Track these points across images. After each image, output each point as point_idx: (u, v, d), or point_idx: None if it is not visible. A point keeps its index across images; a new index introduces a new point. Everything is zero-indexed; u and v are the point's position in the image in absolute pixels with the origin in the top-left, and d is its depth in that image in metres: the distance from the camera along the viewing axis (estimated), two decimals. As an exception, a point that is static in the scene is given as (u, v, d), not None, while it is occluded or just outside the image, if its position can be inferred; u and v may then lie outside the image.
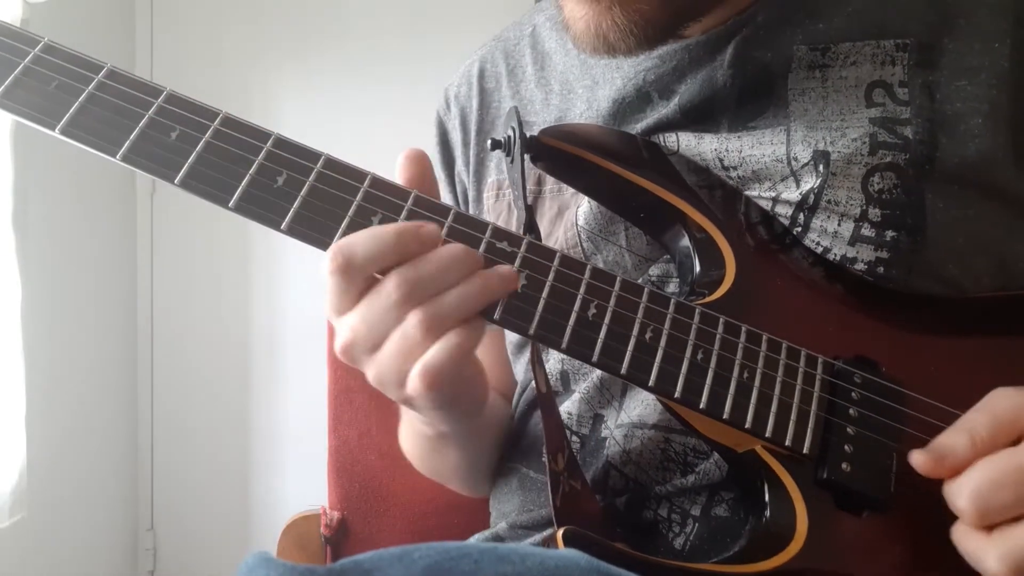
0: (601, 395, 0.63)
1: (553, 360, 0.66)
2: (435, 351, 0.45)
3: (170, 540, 2.27)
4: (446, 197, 0.77)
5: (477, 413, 0.59)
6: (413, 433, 0.70)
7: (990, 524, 0.43)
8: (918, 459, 0.46)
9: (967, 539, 0.44)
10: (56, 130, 0.47)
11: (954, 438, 0.46)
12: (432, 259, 0.46)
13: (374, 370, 0.48)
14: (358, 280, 0.46)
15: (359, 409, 1.02)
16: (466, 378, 0.53)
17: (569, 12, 0.57)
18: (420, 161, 0.50)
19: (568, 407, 0.64)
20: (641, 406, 0.60)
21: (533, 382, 0.69)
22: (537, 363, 0.58)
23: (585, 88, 0.68)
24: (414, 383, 0.46)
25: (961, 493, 0.44)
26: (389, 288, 0.45)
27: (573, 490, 0.55)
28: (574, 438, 0.63)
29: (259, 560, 0.37)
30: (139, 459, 2.26)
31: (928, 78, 0.58)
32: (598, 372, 0.63)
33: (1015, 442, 0.44)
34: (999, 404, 0.46)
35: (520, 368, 0.73)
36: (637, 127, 0.63)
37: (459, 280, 0.46)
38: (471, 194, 0.74)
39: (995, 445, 0.44)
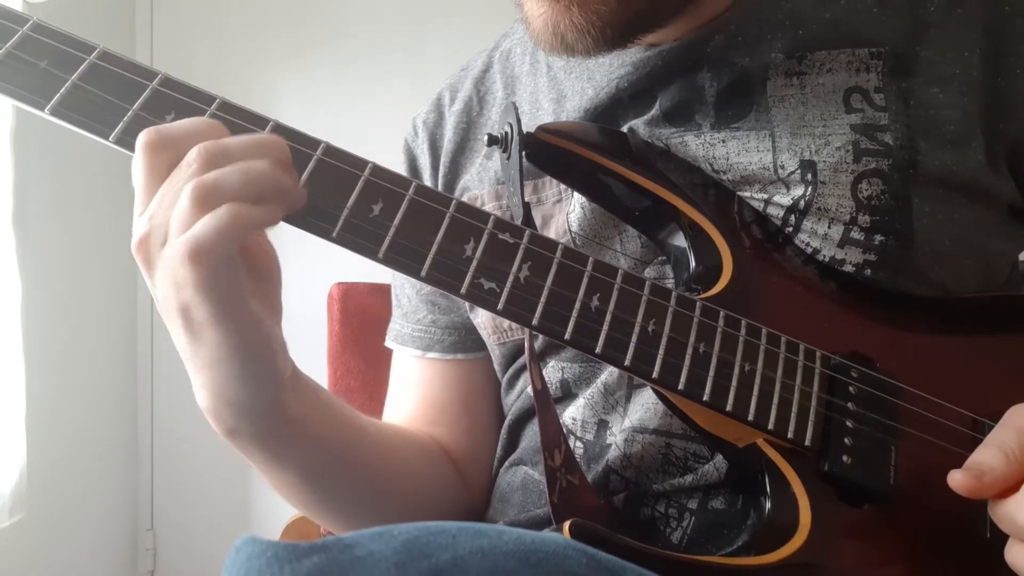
0: (606, 400, 0.62)
1: (553, 368, 0.65)
2: (202, 223, 0.42)
3: (170, 540, 2.27)
4: None
5: (266, 378, 0.53)
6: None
7: None
8: (958, 480, 0.44)
9: None
10: (46, 110, 0.46)
11: (988, 455, 0.45)
12: (240, 138, 0.45)
13: (160, 265, 0.44)
14: (170, 154, 0.44)
15: (359, 409, 1.02)
16: (242, 296, 0.46)
17: (528, 10, 0.57)
18: None
19: (572, 412, 0.64)
20: (642, 410, 0.60)
21: (529, 387, 0.69)
22: (532, 360, 0.58)
23: (551, 102, 0.67)
24: (177, 255, 0.42)
25: (1022, 511, 0.43)
26: (191, 157, 0.44)
27: (571, 485, 0.55)
28: (577, 443, 0.63)
29: (245, 540, 0.37)
30: (139, 459, 2.26)
31: (902, 85, 0.59)
32: (602, 378, 0.62)
33: None
34: (1022, 420, 0.46)
35: (513, 395, 0.72)
36: (621, 128, 0.63)
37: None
38: None
39: None
